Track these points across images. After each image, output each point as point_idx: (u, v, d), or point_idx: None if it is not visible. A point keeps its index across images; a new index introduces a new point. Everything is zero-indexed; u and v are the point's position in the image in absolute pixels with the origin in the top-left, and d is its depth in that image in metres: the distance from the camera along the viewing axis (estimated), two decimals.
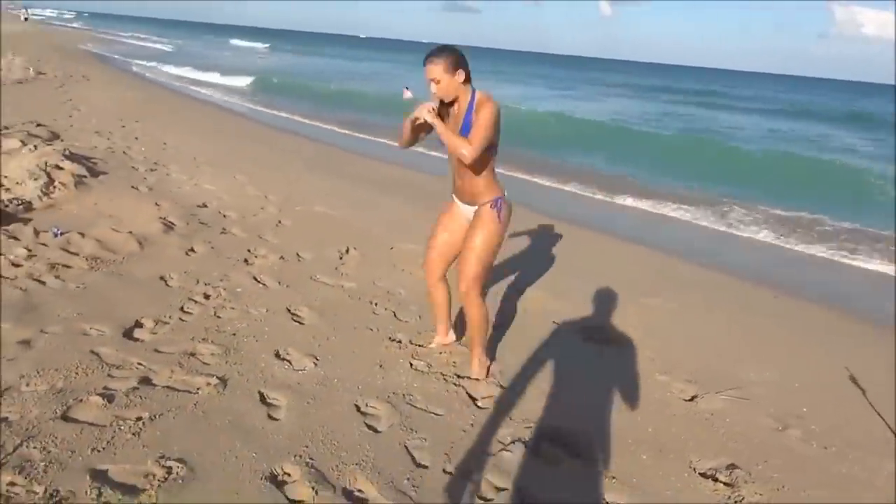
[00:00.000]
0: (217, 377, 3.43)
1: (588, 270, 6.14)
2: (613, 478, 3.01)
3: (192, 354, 3.66)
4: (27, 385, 3.14)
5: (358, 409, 3.37)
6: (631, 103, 37.50)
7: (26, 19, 67.75)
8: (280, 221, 6.61)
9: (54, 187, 6.42)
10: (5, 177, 6.46)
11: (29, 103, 12.41)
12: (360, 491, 2.75)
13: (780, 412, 3.80)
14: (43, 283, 4.31)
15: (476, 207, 3.63)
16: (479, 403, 3.58)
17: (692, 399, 3.87)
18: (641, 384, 3.95)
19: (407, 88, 24.48)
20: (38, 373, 3.25)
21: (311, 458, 2.88)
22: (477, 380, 3.80)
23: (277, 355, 3.79)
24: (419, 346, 4.16)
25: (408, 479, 2.84)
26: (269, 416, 3.18)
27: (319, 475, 2.77)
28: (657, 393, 3.88)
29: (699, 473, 3.12)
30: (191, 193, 7.23)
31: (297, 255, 5.60)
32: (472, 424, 3.33)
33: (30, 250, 4.75)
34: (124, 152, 8.95)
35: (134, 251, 5.11)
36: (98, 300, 4.17)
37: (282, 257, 5.47)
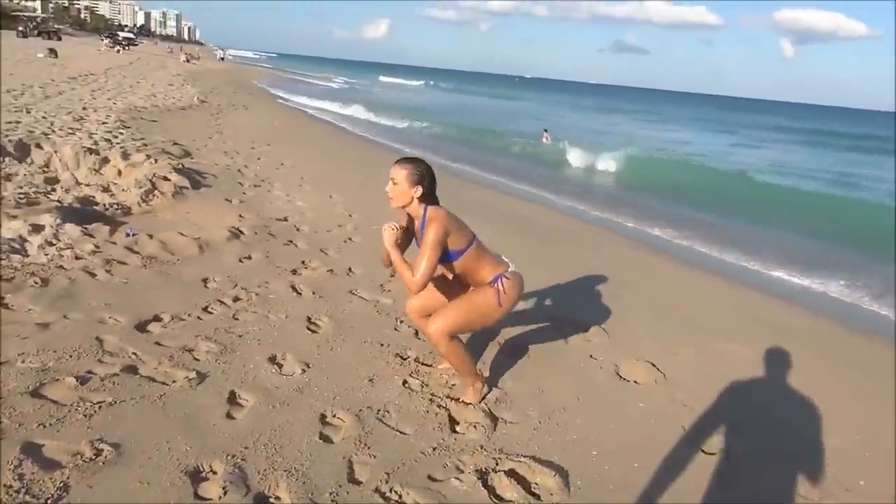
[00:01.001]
0: (198, 373, 3.47)
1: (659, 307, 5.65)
2: None
3: (190, 350, 3.74)
4: (22, 362, 3.34)
5: (323, 418, 3.26)
6: (787, 149, 34.75)
7: (222, 59, 75.90)
8: (350, 238, 6.71)
9: (154, 195, 6.95)
10: (115, 184, 7.10)
11: (181, 126, 13.70)
12: (276, 498, 2.64)
13: (831, 484, 3.23)
14: (93, 275, 4.63)
15: None
16: (458, 428, 3.35)
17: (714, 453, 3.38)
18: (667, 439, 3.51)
19: (546, 132, 24.12)
20: (37, 352, 3.45)
21: (243, 460, 2.81)
22: (468, 404, 3.56)
23: (272, 359, 3.79)
24: (425, 364, 3.99)
25: (332, 492, 2.68)
26: (228, 415, 3.16)
27: (241, 476, 2.70)
28: (687, 451, 3.42)
29: None
30: (279, 208, 7.55)
31: (349, 269, 5.63)
32: (434, 448, 3.11)
33: (97, 247, 5.15)
34: (239, 170, 9.56)
35: (192, 255, 5.38)
36: (132, 294, 4.41)
37: (331, 270, 5.52)
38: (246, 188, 8.37)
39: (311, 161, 11.65)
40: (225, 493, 2.57)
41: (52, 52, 32.22)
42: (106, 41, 61.29)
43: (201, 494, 2.58)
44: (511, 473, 2.99)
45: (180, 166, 8.14)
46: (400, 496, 2.74)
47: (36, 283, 4.31)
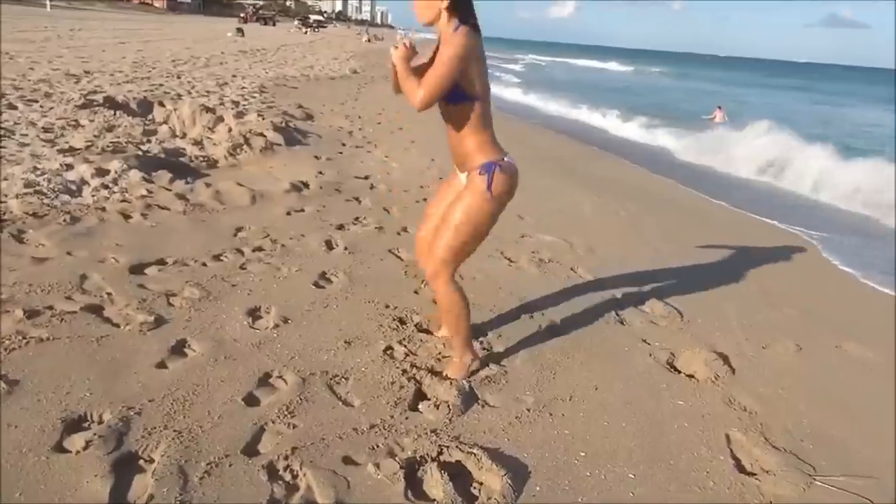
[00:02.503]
0: (158, 318, 3.21)
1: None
2: None
3: (170, 295, 3.49)
4: None
5: (265, 377, 2.86)
6: None
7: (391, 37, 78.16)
8: (424, 199, 6.24)
9: (242, 150, 6.93)
10: (209, 138, 7.17)
11: (319, 93, 13.97)
12: (146, 460, 2.27)
13: None
14: (128, 217, 4.58)
15: (466, 174, 2.86)
16: (421, 406, 2.78)
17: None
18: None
19: (720, 108, 21.45)
20: (13, 284, 3.37)
21: (137, 413, 2.48)
22: (447, 380, 2.98)
23: (252, 311, 3.44)
24: (424, 331, 3.45)
25: (212, 461, 2.26)
26: (160, 365, 2.84)
27: (120, 431, 2.36)
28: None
29: None
30: (367, 167, 7.26)
31: (403, 229, 5.18)
32: (374, 426, 2.59)
33: (149, 192, 5.11)
34: (350, 132, 9.43)
35: (242, 205, 5.21)
36: (153, 238, 4.27)
37: (381, 228, 5.11)
38: (345, 148, 8.17)
39: (434, 126, 11.30)
40: (86, 447, 2.22)
41: (240, 31, 34.80)
42: (296, 23, 65.53)
43: (65, 445, 2.26)
44: (450, 467, 2.39)
45: (283, 124, 8.10)
46: (294, 476, 2.25)
47: (64, 221, 4.30)
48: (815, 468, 2.66)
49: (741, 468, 2.63)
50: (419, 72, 2.71)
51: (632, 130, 15.76)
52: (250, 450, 2.36)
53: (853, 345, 3.96)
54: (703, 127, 16.90)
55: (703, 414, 2.97)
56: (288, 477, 2.25)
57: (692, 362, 3.48)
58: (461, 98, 2.68)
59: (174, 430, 2.39)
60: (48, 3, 58.30)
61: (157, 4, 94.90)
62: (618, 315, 3.95)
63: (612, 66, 72.15)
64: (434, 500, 2.23)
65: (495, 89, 23.48)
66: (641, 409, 2.95)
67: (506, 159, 2.81)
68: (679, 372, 3.38)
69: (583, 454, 2.58)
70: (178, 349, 2.99)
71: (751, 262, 5.42)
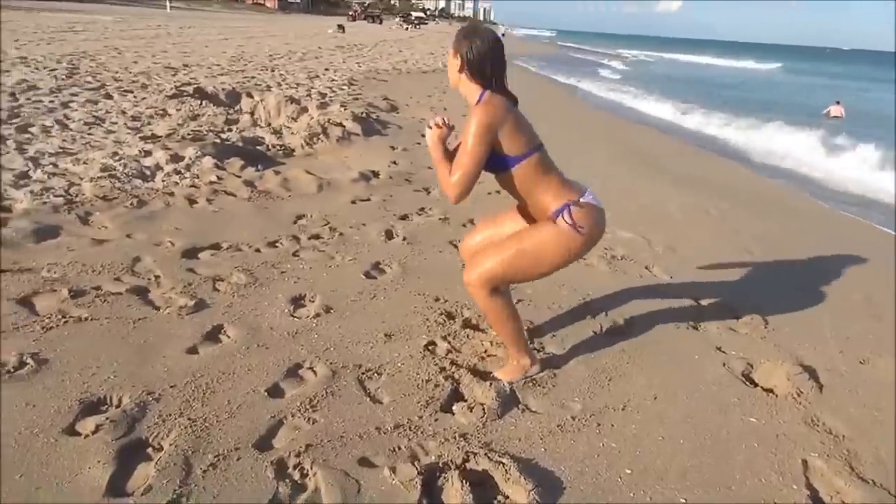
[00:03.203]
0: (199, 302, 3.16)
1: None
2: None
3: (217, 280, 3.45)
4: (47, 271, 3.31)
5: (295, 368, 2.74)
6: None
7: (503, 35, 78.27)
8: (498, 191, 6.00)
9: (318, 139, 6.93)
10: (287, 127, 7.23)
11: (407, 86, 13.98)
12: (155, 448, 2.18)
13: None
14: (193, 202, 4.61)
15: None
16: (455, 408, 2.58)
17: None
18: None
19: (838, 103, 19.57)
20: (68, 264, 3.41)
21: (156, 399, 2.41)
22: (488, 380, 2.76)
23: (296, 299, 3.34)
24: (474, 328, 3.24)
25: (220, 454, 2.15)
26: (191, 350, 2.78)
27: (133, 417, 2.29)
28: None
29: None
30: None
31: (470, 221, 4.99)
32: (400, 426, 2.41)
33: (219, 178, 5.15)
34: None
35: (308, 193, 5.17)
36: (213, 223, 4.28)
37: (445, 219, 4.93)
38: (424, 140, 8.02)
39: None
40: (96, 431, 2.16)
41: (341, 27, 35.58)
42: (398, 20, 66.55)
43: (77, 428, 2.20)
44: (474, 476, 2.17)
45: (363, 114, 8.06)
46: (304, 475, 2.10)
47: (131, 204, 4.37)
48: None
49: (817, 500, 2.26)
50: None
51: (733, 131, 14.74)
52: (263, 444, 2.23)
53: None
54: (817, 124, 15.61)
55: (777, 434, 2.61)
56: (297, 476, 2.10)
57: (773, 375, 3.10)
58: (507, 164, 2.49)
59: (188, 419, 2.29)
60: (168, 4, 61.82)
61: (268, 4, 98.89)
62: (692, 320, 3.58)
63: (721, 61, 68.64)
64: None
65: (595, 86, 22.54)
66: (705, 424, 2.62)
67: (582, 200, 2.56)
68: (755, 385, 3.01)
69: (629, 471, 2.30)
70: (213, 335, 2.91)
71: (857, 270, 4.86)
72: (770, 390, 2.97)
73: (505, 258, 2.56)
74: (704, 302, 3.82)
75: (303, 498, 2.00)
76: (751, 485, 2.29)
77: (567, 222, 2.52)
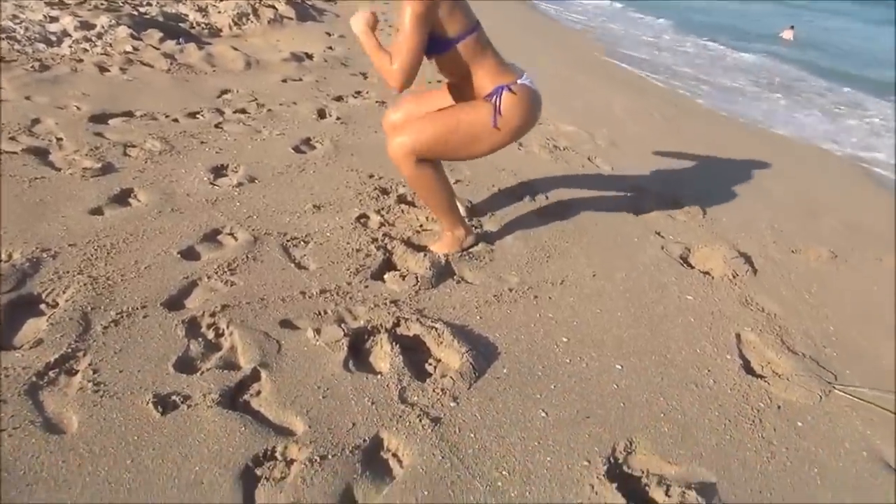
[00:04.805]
0: (104, 165, 2.88)
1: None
2: None
3: (129, 146, 3.15)
4: None
5: (213, 234, 2.52)
6: None
7: None
8: (439, 81, 5.71)
9: (248, 20, 6.42)
10: (214, 6, 6.66)
11: None
12: (50, 304, 1.94)
13: None
14: (105, 70, 4.20)
15: None
16: (386, 276, 2.42)
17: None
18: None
19: (792, 27, 19.53)
20: None
21: (52, 257, 2.18)
22: (426, 253, 2.60)
23: (217, 169, 3.09)
24: (408, 203, 3.06)
25: (125, 311, 1.94)
26: (95, 211, 2.52)
27: (25, 272, 2.05)
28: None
29: None
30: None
31: None
32: (326, 290, 2.24)
33: (135, 49, 4.70)
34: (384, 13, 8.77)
35: (234, 69, 4.79)
36: (125, 90, 3.90)
37: (383, 102, 4.65)
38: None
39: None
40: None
41: None
42: None
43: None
44: (404, 341, 2.03)
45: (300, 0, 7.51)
46: (218, 333, 1.93)
47: (32, 67, 3.92)
48: (837, 377, 2.26)
49: (749, 369, 2.24)
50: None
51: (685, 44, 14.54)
52: (174, 304, 2.03)
53: None
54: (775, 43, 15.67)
55: (713, 311, 2.57)
56: (210, 335, 1.92)
57: (709, 258, 3.06)
58: (445, 46, 2.32)
59: (89, 276, 2.06)
60: None
61: None
62: (632, 206, 3.50)
63: None
64: (379, 372, 1.88)
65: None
66: (642, 300, 2.55)
67: (519, 81, 2.39)
68: (692, 267, 2.97)
69: (565, 339, 2.21)
70: (121, 198, 2.65)
71: (798, 177, 4.87)
72: (707, 272, 2.93)
73: (435, 130, 2.41)
74: (645, 191, 3.74)
75: (217, 356, 1.83)
76: (686, 354, 2.25)
77: (496, 104, 2.41)
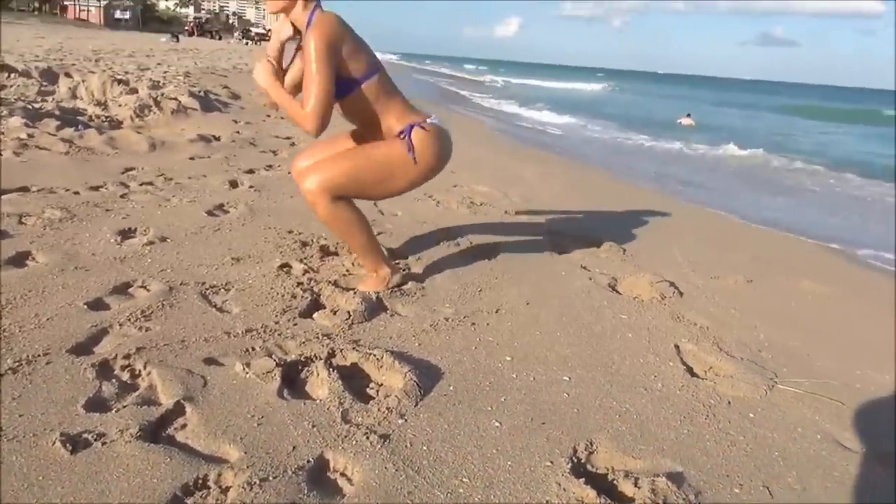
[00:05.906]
0: None
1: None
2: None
3: (24, 216, 2.92)
4: None
5: (125, 287, 2.32)
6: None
7: None
8: None
9: (150, 111, 6.31)
10: (113, 100, 6.54)
11: (247, 81, 13.30)
12: None
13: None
14: None
15: None
16: (316, 315, 2.28)
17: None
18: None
19: (688, 116, 21.06)
20: None
21: None
22: (355, 292, 2.48)
23: (124, 232, 2.91)
24: (331, 253, 2.96)
25: (17, 361, 1.70)
26: None
27: None
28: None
29: None
30: (293, 132, 6.73)
31: None
32: (252, 329, 2.08)
33: (30, 136, 4.49)
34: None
35: (138, 151, 4.63)
36: (20, 171, 3.69)
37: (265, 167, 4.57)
38: (271, 119, 7.62)
39: None
40: None
41: (175, 36, 33.72)
42: (236, 35, 64.35)
43: None
44: (343, 370, 1.89)
45: (201, 93, 7.49)
46: (134, 374, 1.73)
47: None
48: (777, 375, 2.27)
49: (694, 374, 2.23)
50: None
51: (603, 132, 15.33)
52: (82, 349, 1.84)
53: (807, 282, 3.63)
54: (675, 130, 16.89)
55: (648, 327, 2.57)
56: (125, 376, 1.73)
57: (636, 285, 3.10)
58: (350, 87, 2.35)
59: None
60: None
61: (92, 20, 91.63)
62: (554, 246, 3.53)
63: (572, 84, 69.08)
64: (317, 399, 1.73)
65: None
66: (579, 321, 2.53)
67: (429, 121, 2.48)
68: (621, 294, 2.98)
69: (509, 358, 2.14)
70: (17, 261, 2.45)
71: (701, 226, 5.10)
72: (636, 297, 2.95)
73: (348, 166, 2.39)
74: (564, 235, 3.80)
75: (134, 395, 1.64)
76: (630, 364, 2.22)
77: (407, 143, 2.42)
